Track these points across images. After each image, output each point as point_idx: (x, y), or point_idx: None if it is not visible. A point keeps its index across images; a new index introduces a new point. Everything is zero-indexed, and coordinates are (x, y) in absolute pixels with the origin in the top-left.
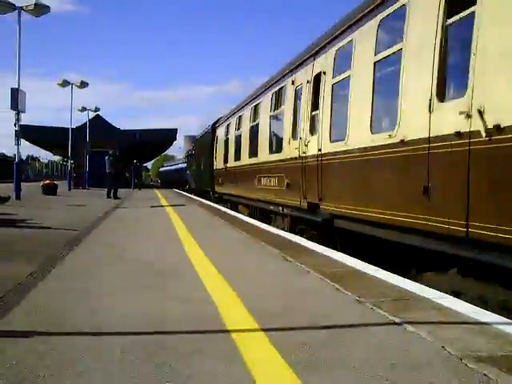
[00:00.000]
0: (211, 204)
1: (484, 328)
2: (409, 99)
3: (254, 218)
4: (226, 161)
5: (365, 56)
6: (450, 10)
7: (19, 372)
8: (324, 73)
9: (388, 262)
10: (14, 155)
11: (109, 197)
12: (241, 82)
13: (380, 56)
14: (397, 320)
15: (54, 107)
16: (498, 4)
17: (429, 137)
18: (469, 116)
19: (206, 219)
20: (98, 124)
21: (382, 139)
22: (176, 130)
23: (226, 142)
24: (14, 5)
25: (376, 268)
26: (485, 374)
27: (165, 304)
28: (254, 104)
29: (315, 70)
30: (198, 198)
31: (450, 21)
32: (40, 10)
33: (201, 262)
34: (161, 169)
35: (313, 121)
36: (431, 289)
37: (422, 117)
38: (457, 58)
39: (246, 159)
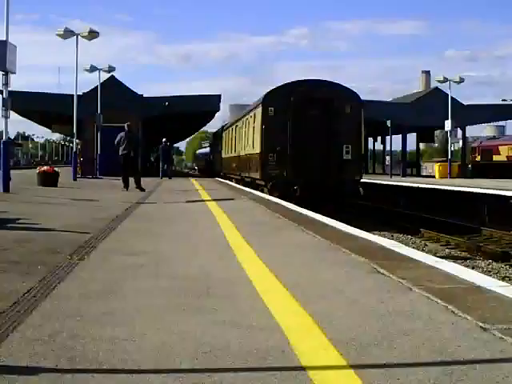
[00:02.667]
0: (267, 197)
1: None
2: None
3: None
4: (226, 153)
5: (248, 124)
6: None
7: None
8: (248, 122)
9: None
10: None
11: (126, 188)
12: (309, 29)
13: (249, 126)
14: None
15: (53, 67)
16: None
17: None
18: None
19: (263, 218)
20: (113, 89)
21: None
22: (219, 96)
23: (225, 141)
24: None
25: (503, 283)
26: None
27: (215, 332)
28: (235, 125)
29: (248, 119)
30: (249, 190)
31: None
32: None
33: (261, 276)
34: (198, 151)
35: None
36: None
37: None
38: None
39: (230, 153)
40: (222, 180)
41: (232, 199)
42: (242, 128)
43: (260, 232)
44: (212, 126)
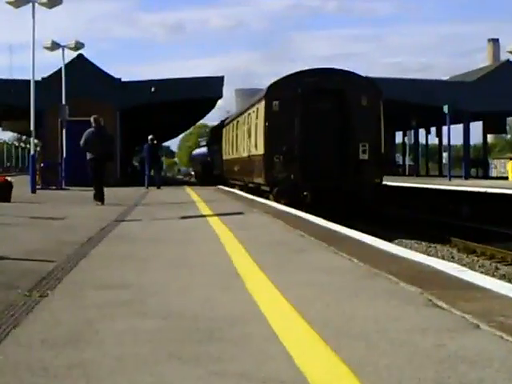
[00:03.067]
0: (286, 209)
1: None
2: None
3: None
4: (226, 154)
5: (250, 120)
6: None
7: None
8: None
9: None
10: None
11: (101, 201)
12: None
13: (252, 123)
14: None
15: (3, 46)
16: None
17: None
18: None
19: (281, 236)
20: (82, 72)
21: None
22: (221, 78)
23: (227, 140)
24: None
25: None
26: None
27: None
28: (236, 120)
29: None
30: (262, 201)
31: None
32: None
33: (279, 313)
34: (195, 151)
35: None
36: None
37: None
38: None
39: (231, 154)
40: (226, 188)
41: (240, 213)
42: (243, 124)
43: (278, 255)
44: (213, 119)
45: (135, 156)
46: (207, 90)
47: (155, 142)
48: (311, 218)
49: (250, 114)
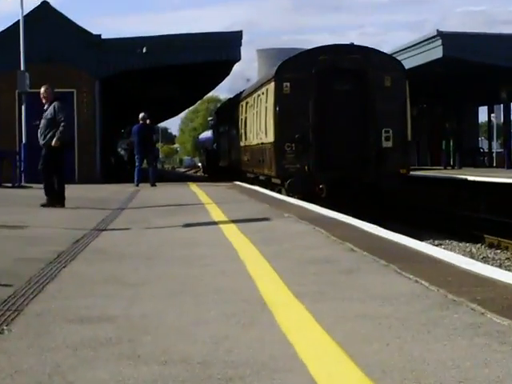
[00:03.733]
0: (327, 213)
1: None
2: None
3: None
4: (242, 140)
5: (260, 103)
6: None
7: None
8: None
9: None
10: None
11: (60, 201)
12: None
13: (261, 106)
14: None
15: None
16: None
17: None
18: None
19: (322, 251)
20: (48, 26)
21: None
22: (239, 34)
23: (241, 121)
24: None
25: None
26: None
27: None
28: (245, 101)
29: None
30: (296, 202)
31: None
32: None
33: (323, 356)
34: (202, 135)
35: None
36: None
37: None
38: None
39: (243, 140)
40: (245, 185)
41: (266, 219)
42: (252, 107)
43: (320, 278)
44: (226, 90)
45: (121, 141)
46: (219, 51)
47: (148, 121)
48: (363, 226)
49: (259, 95)
